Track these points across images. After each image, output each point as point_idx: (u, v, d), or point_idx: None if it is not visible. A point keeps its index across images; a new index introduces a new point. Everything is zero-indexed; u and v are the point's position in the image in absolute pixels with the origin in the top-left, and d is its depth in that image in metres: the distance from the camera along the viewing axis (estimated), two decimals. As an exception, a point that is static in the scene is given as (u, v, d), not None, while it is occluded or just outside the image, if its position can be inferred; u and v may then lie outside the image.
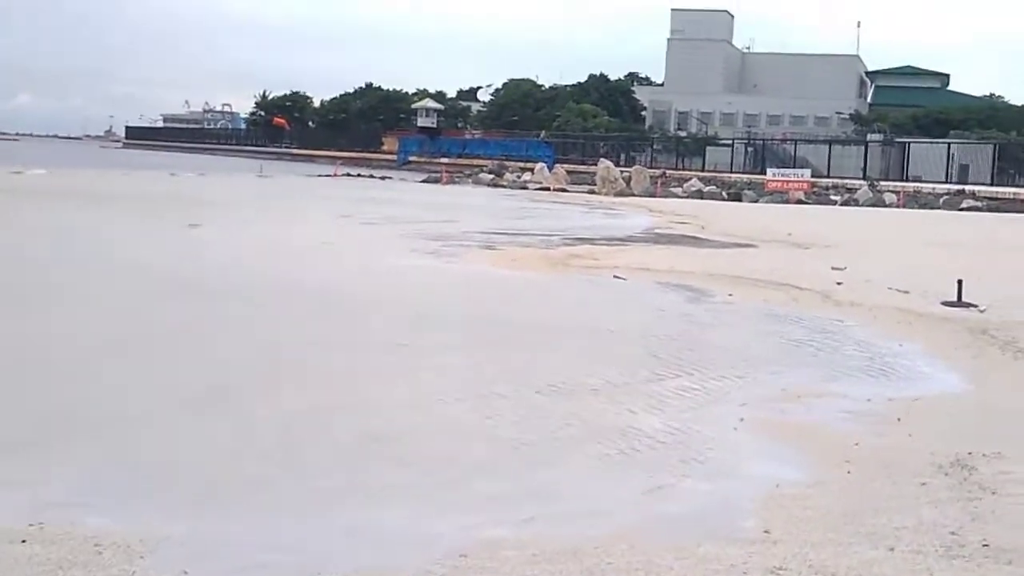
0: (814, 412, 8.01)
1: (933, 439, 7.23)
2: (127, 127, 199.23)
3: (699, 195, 54.64)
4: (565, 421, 7.38)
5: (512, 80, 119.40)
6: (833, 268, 18.18)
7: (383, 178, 68.72)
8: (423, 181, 64.73)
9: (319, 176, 67.39)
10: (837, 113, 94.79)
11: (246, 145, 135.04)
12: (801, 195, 52.74)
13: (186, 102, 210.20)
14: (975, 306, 14.16)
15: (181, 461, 6.26)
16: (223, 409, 7.53)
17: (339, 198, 38.94)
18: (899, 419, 7.83)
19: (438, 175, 66.97)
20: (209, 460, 6.32)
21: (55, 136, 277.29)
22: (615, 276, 16.71)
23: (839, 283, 16.30)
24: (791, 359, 10.17)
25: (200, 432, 6.90)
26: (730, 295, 15.09)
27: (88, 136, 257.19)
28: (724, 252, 22.36)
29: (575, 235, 25.82)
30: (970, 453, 6.78)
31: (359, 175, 71.43)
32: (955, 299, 14.42)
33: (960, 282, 14.48)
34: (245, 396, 7.96)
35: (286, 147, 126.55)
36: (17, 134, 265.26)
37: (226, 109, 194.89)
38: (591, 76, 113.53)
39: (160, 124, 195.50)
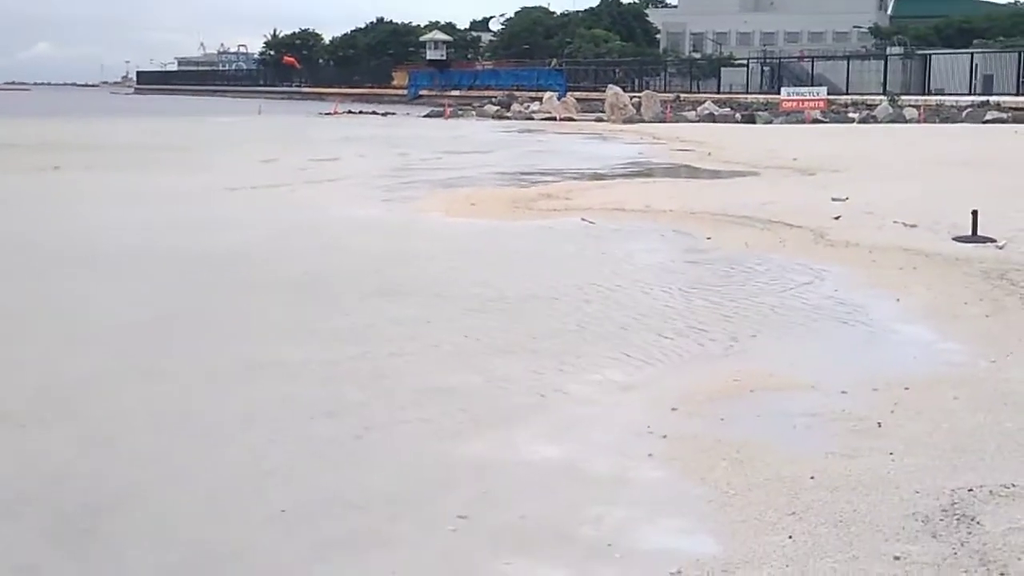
0: (765, 418, 5.95)
1: (922, 462, 5.18)
2: (138, 72, 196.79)
3: (711, 118, 52.25)
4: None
5: (524, 8, 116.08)
6: (833, 199, 15.96)
7: (385, 114, 66.50)
8: (426, 116, 62.39)
9: (320, 114, 65.17)
10: (856, 27, 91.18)
11: (257, 85, 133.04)
12: (817, 114, 50.12)
13: (201, 45, 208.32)
14: (992, 241, 12.00)
15: None
16: None
17: (316, 139, 36.72)
18: (880, 424, 5.76)
19: (441, 109, 64.60)
20: None
21: (72, 84, 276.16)
22: (583, 219, 14.60)
23: (837, 218, 14.13)
24: (755, 330, 8.07)
25: None
26: (708, 238, 12.97)
27: (105, 83, 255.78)
28: (719, 184, 20.20)
29: (560, 169, 23.66)
30: (971, 490, 4.73)
31: (360, 112, 69.27)
32: (969, 233, 12.26)
33: (975, 213, 12.29)
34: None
35: (296, 86, 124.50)
36: (35, 83, 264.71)
37: (241, 50, 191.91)
38: (603, 1, 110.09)
39: (174, 68, 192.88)
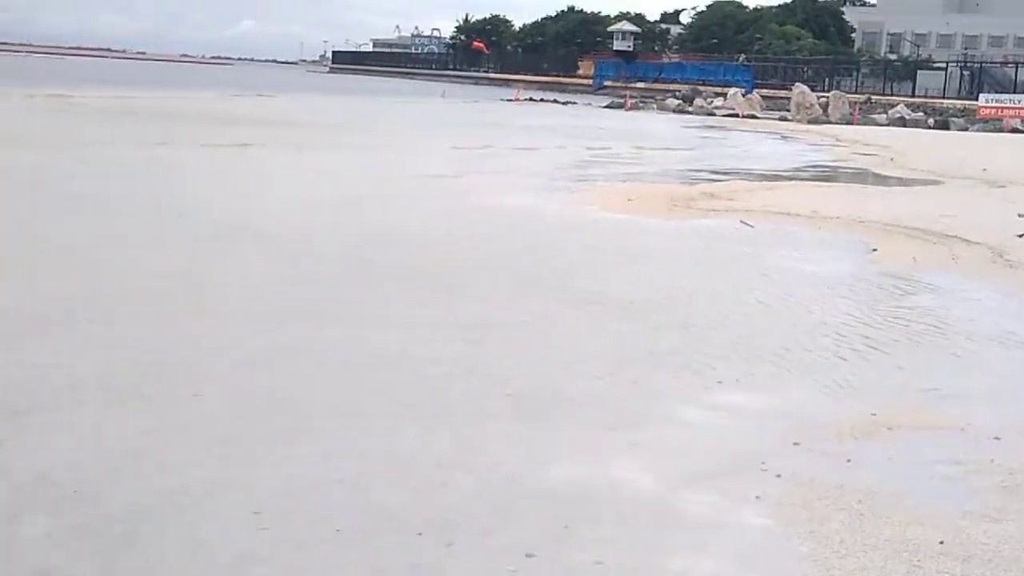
0: (899, 463, 5.25)
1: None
2: (334, 52, 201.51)
3: (901, 123, 50.05)
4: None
5: (716, 2, 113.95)
6: (1020, 215, 14.80)
7: (566, 103, 66.06)
8: (606, 107, 61.74)
9: (502, 100, 65.31)
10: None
11: (446, 69, 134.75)
12: (1017, 123, 47.47)
13: (397, 27, 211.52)
14: None
15: None
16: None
17: (493, 124, 36.63)
18: (1030, 482, 5.01)
19: (622, 100, 63.87)
20: None
21: (273, 61, 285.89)
22: (742, 222, 13.87)
23: (1021, 235, 13.03)
24: (903, 358, 7.30)
25: None
26: (874, 250, 12.10)
27: (304, 61, 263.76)
28: (896, 192, 19.06)
29: (730, 168, 22.82)
30: None
31: (542, 100, 69.07)
32: None
33: None
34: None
35: (484, 71, 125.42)
36: (238, 59, 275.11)
37: (435, 34, 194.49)
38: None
39: (369, 49, 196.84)
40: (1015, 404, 6.35)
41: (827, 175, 22.61)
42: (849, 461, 5.21)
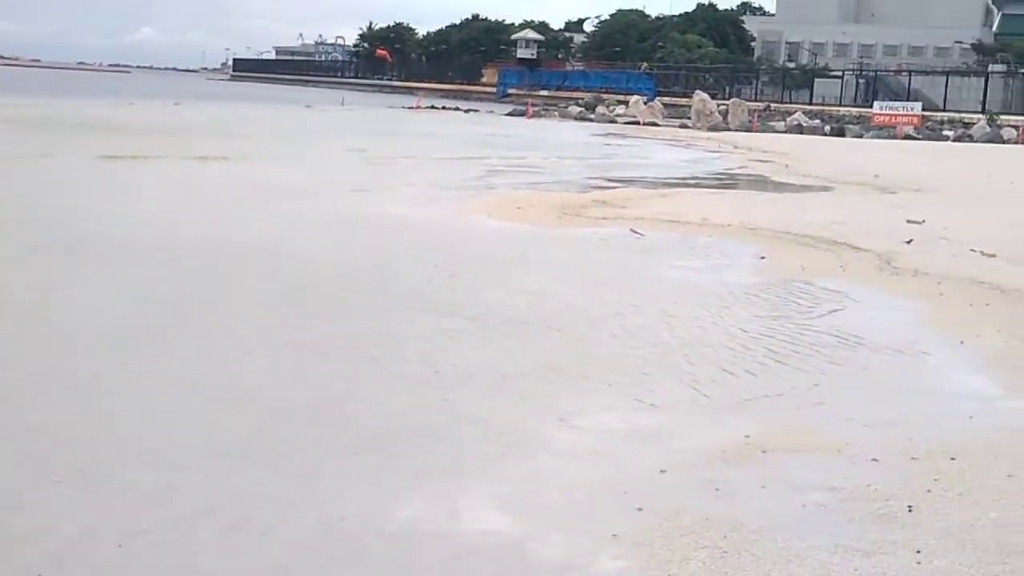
0: (771, 491, 4.87)
1: (956, 567, 4.11)
2: (234, 59, 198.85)
3: (799, 130, 50.70)
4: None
5: (620, 11, 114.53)
6: (908, 221, 14.73)
7: (468, 111, 65.72)
8: (508, 114, 61.47)
9: (403, 108, 64.66)
10: (958, 43, 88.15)
11: (350, 77, 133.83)
12: (910, 130, 48.30)
13: (300, 35, 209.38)
14: (1081, 278, 10.72)
15: None
16: None
17: (384, 132, 36.05)
18: (910, 508, 4.68)
19: (524, 108, 63.66)
20: None
21: (173, 69, 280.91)
22: (631, 230, 13.57)
23: (908, 241, 12.91)
24: (784, 375, 6.98)
25: None
26: (762, 258, 11.86)
27: (204, 69, 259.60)
28: (788, 198, 18.96)
29: (625, 176, 22.59)
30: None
31: (444, 107, 68.57)
32: (1055, 268, 11.01)
33: (1061, 246, 11.04)
34: None
35: (388, 79, 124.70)
36: (137, 66, 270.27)
37: (339, 42, 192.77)
38: (699, 5, 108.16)
39: (272, 57, 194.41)
40: (895, 421, 6.03)
41: (722, 182, 22.49)
42: (718, 490, 4.83)
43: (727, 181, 22.84)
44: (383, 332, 7.52)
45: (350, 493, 4.60)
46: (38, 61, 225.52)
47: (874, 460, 5.31)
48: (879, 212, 16.33)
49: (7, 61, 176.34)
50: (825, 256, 12.03)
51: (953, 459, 5.37)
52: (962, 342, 8.03)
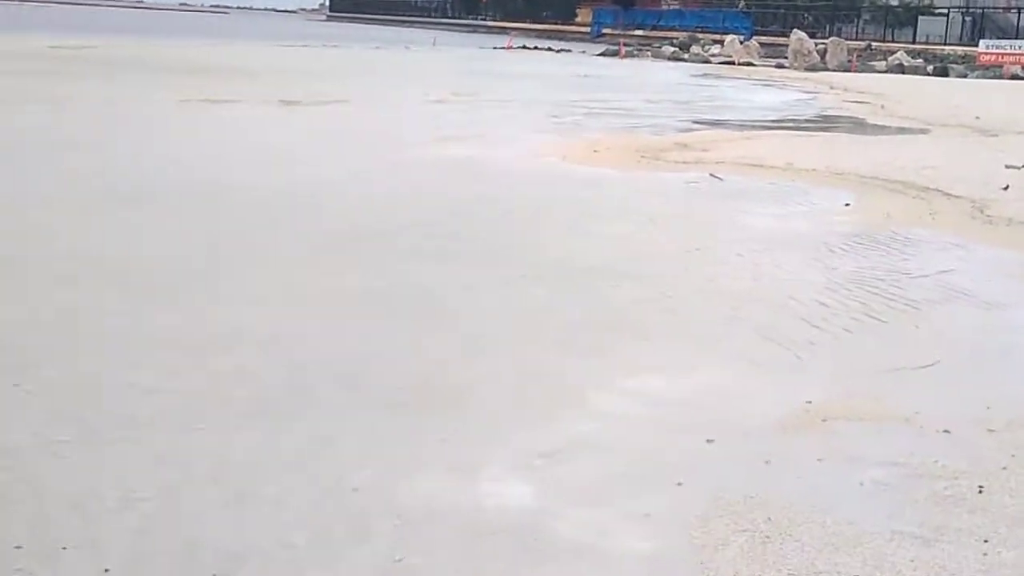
0: (827, 466, 4.47)
1: None
2: (331, 0, 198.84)
3: (900, 70, 48.97)
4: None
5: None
6: (1007, 167, 13.97)
7: (560, 51, 64.78)
8: (600, 54, 60.52)
9: (495, 48, 64.04)
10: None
11: (446, 17, 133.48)
12: (1018, 70, 46.35)
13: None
14: None
15: None
16: None
17: (471, 72, 35.59)
18: (981, 489, 4.24)
19: (616, 48, 62.62)
20: None
21: (272, 10, 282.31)
22: (711, 175, 13.05)
23: (1005, 188, 12.21)
24: (851, 334, 6.51)
25: None
26: (847, 205, 11.28)
27: (303, 10, 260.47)
28: (881, 141, 18.18)
29: (711, 118, 21.90)
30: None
31: (536, 47, 67.73)
32: None
33: None
34: None
35: (482, 19, 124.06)
36: (237, 7, 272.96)
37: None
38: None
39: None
40: (971, 385, 5.56)
41: (812, 124, 21.68)
42: (768, 463, 4.44)
43: (818, 123, 22.02)
44: (429, 283, 7.19)
45: (368, 460, 4.30)
46: (140, 2, 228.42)
47: (945, 432, 4.87)
48: (977, 156, 15.54)
49: (110, 2, 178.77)
50: (915, 203, 11.42)
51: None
52: (1059, 302, 7.47)
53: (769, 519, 3.89)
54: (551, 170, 13.04)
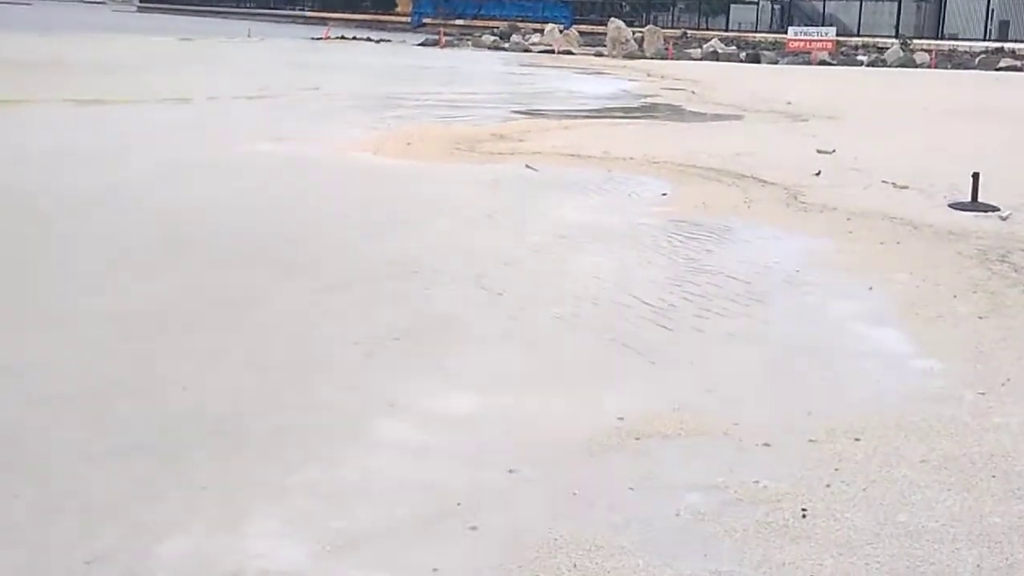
0: (638, 495, 4.03)
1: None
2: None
3: (715, 57, 49.95)
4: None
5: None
6: (818, 151, 14.00)
7: (379, 41, 63.73)
8: (420, 44, 59.87)
9: (311, 39, 62.57)
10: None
11: (263, 8, 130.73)
12: (825, 55, 47.79)
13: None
14: (996, 209, 10.07)
15: None
16: None
17: (282, 64, 34.49)
18: (805, 513, 3.87)
19: (436, 38, 62.08)
20: None
21: (80, 1, 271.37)
22: (527, 166, 12.65)
23: (817, 173, 12.16)
24: (667, 336, 6.14)
25: None
26: (664, 194, 11.02)
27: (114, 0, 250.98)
28: (696, 128, 18.16)
29: (531, 106, 21.60)
30: None
31: (354, 38, 66.56)
32: (969, 199, 10.32)
33: (976, 176, 10.33)
34: None
35: (301, 9, 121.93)
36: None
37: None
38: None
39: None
40: (793, 393, 5.22)
41: (629, 112, 21.59)
42: (575, 495, 3.97)
43: (635, 111, 21.94)
44: (218, 295, 6.53)
45: (112, 519, 3.66)
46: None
47: (766, 445, 4.50)
48: (790, 141, 15.60)
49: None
50: (730, 191, 11.22)
51: (858, 440, 4.58)
52: (871, 288, 7.27)
53: (575, 567, 3.42)
54: (362, 165, 12.44)
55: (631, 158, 13.38)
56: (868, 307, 6.83)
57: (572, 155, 13.69)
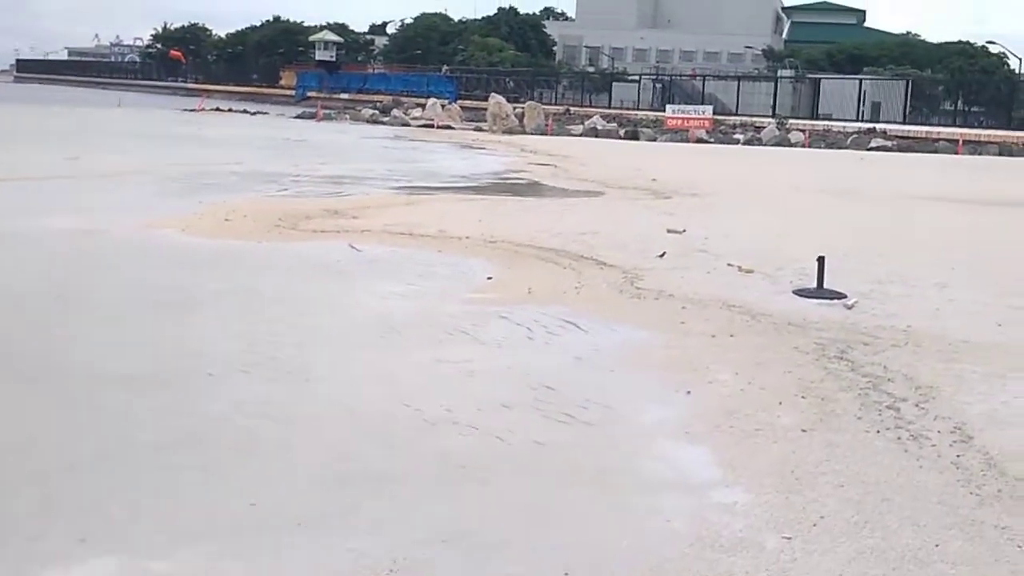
0: None
1: None
2: (18, 60, 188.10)
3: (595, 133, 49.65)
4: None
5: (423, 14, 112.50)
6: (669, 231, 13.17)
7: (255, 113, 62.62)
8: (297, 117, 58.69)
9: (184, 110, 61.06)
10: (748, 47, 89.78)
11: (144, 79, 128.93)
12: (703, 133, 47.77)
13: (96, 35, 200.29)
14: (841, 297, 9.25)
15: None
16: None
17: (135, 135, 33.05)
18: None
19: (315, 111, 61.02)
20: None
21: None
22: (351, 245, 11.55)
23: (662, 255, 11.28)
24: (411, 489, 5.04)
25: None
26: (489, 278, 9.98)
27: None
28: (551, 204, 17.25)
29: (383, 181, 20.53)
30: None
31: (230, 110, 65.28)
32: (815, 284, 9.49)
33: (822, 260, 9.51)
34: None
35: (182, 82, 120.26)
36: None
37: (136, 43, 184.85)
38: (501, 10, 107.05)
39: (64, 57, 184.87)
40: (555, 538, 4.14)
41: (485, 187, 20.64)
42: None
43: (491, 187, 20.99)
44: None
45: None
46: None
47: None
48: (643, 220, 14.74)
49: None
50: (564, 275, 10.25)
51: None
52: (689, 392, 6.27)
53: None
54: (160, 243, 11.22)
55: (467, 237, 12.37)
56: (680, 417, 5.81)
57: (405, 233, 12.63)
